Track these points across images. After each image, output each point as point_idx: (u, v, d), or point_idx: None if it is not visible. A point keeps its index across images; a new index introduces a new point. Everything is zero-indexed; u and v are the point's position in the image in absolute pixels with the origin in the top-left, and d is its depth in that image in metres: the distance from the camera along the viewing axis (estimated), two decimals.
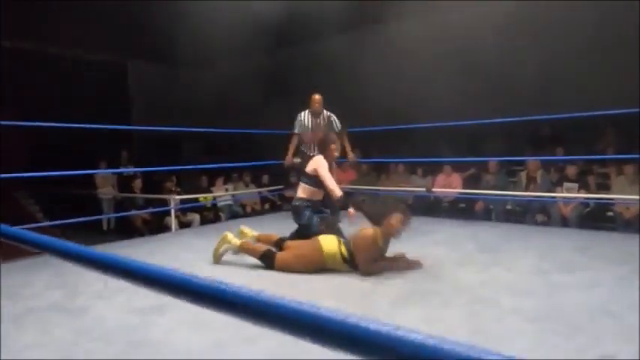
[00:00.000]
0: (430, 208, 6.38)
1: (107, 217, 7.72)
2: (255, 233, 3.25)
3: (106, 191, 7.96)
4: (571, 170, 5.67)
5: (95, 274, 2.71)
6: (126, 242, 4.14)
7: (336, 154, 3.44)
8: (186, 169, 6.77)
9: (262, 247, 2.93)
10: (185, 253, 3.45)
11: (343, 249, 2.68)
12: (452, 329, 1.86)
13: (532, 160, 5.77)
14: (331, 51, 8.31)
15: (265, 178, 8.30)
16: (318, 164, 3.21)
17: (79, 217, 4.50)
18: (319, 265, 2.73)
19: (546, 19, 6.53)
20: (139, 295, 2.41)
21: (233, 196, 7.81)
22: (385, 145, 7.92)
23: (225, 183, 8.08)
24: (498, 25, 6.38)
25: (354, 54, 8.13)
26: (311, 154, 4.18)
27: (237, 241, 3.00)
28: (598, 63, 6.07)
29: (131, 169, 7.47)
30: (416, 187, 6.83)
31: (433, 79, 6.66)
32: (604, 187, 5.82)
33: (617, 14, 5.88)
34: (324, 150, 3.36)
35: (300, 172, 3.80)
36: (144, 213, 6.89)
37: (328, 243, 2.72)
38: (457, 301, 2.21)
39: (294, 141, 4.55)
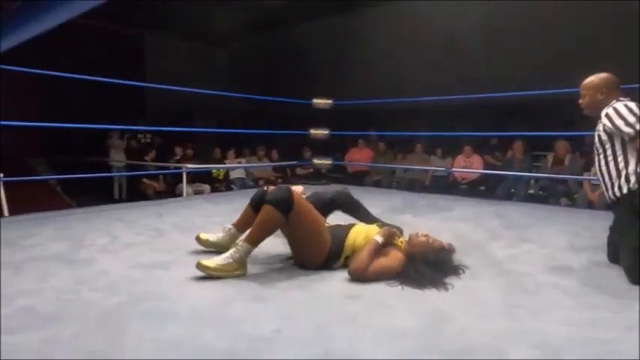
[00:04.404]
0: (448, 189, 6.15)
1: (112, 175, 7.66)
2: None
3: (119, 159, 7.89)
4: None
5: (102, 229, 2.54)
6: (134, 204, 4.02)
7: None
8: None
9: None
10: (196, 217, 3.31)
11: None
12: (485, 302, 1.68)
13: (560, 142, 5.48)
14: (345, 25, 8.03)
15: (274, 154, 8.15)
16: None
17: (91, 183, 4.39)
18: None
19: None
20: (145, 252, 2.28)
21: (246, 169, 7.67)
22: (403, 124, 7.67)
23: (237, 157, 7.95)
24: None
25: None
26: None
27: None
28: (588, 48, 5.69)
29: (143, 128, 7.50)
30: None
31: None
32: None
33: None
34: None
35: None
36: (151, 174, 6.87)
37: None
38: (487, 274, 2.03)
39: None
